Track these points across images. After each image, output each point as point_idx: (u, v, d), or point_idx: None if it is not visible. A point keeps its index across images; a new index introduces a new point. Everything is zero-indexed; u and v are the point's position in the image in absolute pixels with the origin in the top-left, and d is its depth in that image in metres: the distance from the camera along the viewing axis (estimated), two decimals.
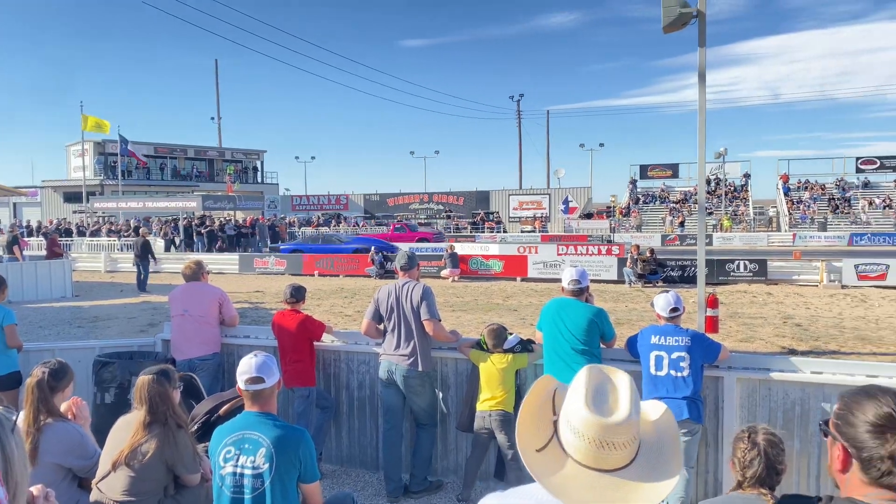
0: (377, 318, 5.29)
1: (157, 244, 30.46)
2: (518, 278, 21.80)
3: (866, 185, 46.85)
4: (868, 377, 4.39)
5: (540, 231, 46.34)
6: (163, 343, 6.30)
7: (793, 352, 10.26)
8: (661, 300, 4.65)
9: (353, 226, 48.55)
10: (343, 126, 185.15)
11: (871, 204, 43.35)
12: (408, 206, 56.03)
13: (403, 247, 21.52)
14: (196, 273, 6.10)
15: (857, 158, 48.17)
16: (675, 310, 4.57)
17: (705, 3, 9.37)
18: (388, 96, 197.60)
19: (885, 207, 42.74)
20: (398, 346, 5.14)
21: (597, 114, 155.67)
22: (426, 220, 51.63)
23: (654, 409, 1.61)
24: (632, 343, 4.74)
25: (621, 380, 1.50)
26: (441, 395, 5.42)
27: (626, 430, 1.42)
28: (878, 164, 47.45)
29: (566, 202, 49.92)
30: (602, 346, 4.86)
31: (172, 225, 34.18)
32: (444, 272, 21.94)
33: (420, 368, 5.10)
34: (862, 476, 1.39)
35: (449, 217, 52.51)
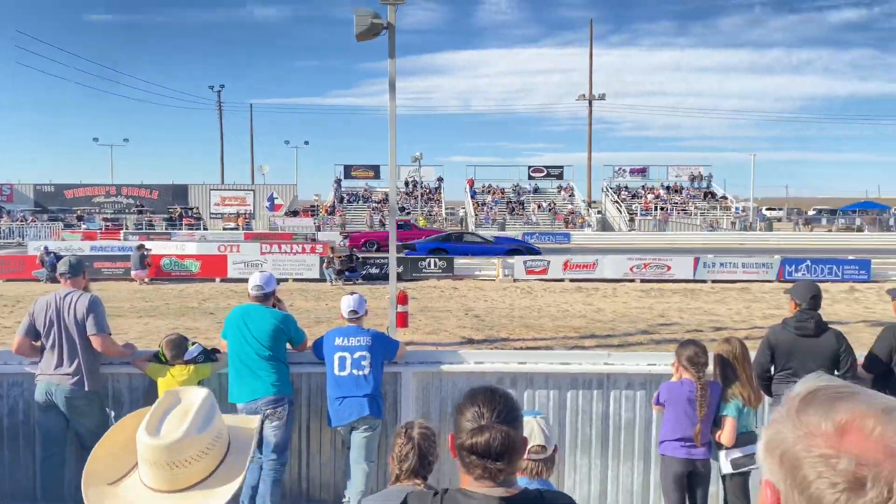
0: (32, 333, 4.65)
1: None
2: (217, 279, 20.87)
3: (536, 190, 54.09)
4: (519, 363, 5.09)
5: (244, 229, 44.91)
6: None
7: (471, 341, 11.42)
8: (344, 302, 4.83)
9: (20, 221, 41.99)
10: (6, 107, 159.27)
11: (539, 207, 50.12)
12: (91, 199, 50.05)
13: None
14: None
15: (529, 167, 55.47)
16: (354, 312, 4.78)
17: (395, 16, 9.92)
18: (66, 76, 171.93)
19: (549, 210, 49.70)
20: (59, 364, 4.57)
21: (302, 111, 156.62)
22: (113, 216, 46.76)
23: (255, 419, 1.83)
24: (317, 346, 4.84)
25: (193, 399, 1.54)
26: (113, 414, 4.94)
27: (188, 447, 1.44)
28: (545, 173, 55.14)
29: (271, 199, 49.34)
30: (294, 350, 4.88)
31: None
32: (133, 273, 20.13)
33: (86, 388, 4.60)
34: (460, 465, 1.59)
35: (141, 212, 48.18)
